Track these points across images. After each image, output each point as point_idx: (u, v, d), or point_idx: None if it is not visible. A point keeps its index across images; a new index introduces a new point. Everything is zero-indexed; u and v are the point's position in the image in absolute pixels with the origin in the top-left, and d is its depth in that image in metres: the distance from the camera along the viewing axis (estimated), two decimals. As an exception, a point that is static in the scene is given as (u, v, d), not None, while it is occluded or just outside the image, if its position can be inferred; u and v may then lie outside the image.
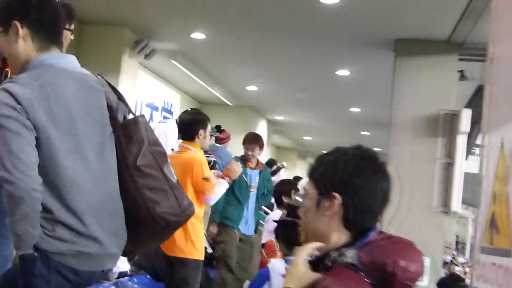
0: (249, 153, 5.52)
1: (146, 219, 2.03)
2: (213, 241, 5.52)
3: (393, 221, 6.93)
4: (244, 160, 5.47)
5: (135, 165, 1.98)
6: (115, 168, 1.99)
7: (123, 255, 2.12)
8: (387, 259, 1.41)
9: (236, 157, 5.86)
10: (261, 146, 5.65)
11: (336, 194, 1.38)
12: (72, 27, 2.62)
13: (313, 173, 1.55)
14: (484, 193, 2.43)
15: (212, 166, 5.42)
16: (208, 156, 5.27)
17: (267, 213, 6.51)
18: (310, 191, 1.49)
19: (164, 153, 2.14)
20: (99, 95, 1.97)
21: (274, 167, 9.13)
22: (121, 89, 6.06)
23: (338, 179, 1.41)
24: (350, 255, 1.43)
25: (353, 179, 1.41)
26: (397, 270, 1.40)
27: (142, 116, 2.18)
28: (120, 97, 2.11)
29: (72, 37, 2.65)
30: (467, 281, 6.13)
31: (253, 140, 5.63)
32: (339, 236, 1.48)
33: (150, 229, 2.07)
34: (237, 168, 4.41)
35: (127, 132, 2.02)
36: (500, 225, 2.18)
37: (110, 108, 2.00)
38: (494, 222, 2.24)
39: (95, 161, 1.89)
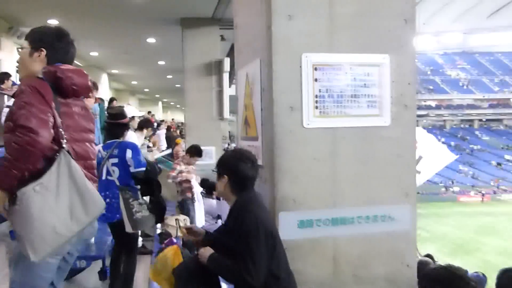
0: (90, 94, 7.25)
1: None
2: None
3: (192, 126, 10.59)
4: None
5: None
6: None
7: None
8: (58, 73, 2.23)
9: None
10: (96, 88, 6.87)
11: None
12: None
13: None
14: (240, 105, 3.26)
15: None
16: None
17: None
18: None
19: None
20: None
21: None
22: (3, 63, 8.63)
23: None
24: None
25: None
26: (63, 75, 2.22)
27: None
28: None
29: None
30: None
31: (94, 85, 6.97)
32: None
33: None
34: None
35: None
36: (250, 123, 2.98)
37: None
38: (246, 121, 3.06)
39: None
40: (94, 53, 14.01)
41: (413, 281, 2.85)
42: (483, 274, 5.98)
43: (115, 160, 4.10)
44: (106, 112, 7.44)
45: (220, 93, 10.77)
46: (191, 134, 10.06)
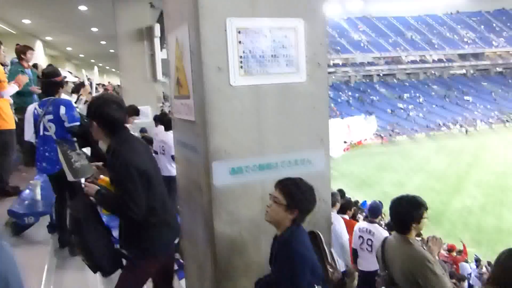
0: (23, 56, 6.15)
1: None
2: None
3: (127, 88, 10.27)
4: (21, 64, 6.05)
5: None
6: None
7: None
8: None
9: (14, 61, 6.26)
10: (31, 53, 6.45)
11: None
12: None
13: None
14: (171, 67, 3.13)
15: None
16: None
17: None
18: None
19: None
20: None
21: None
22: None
23: None
24: None
25: None
26: None
27: None
28: None
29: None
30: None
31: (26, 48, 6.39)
32: None
33: None
34: (23, 78, 5.16)
35: None
36: (182, 83, 2.94)
37: None
38: (178, 81, 3.00)
39: None
40: (26, 21, 12.73)
41: (328, 213, 3.00)
42: (380, 202, 6.46)
43: (51, 117, 3.96)
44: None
45: (152, 57, 10.55)
46: (127, 96, 9.71)
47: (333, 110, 56.96)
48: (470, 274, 10.86)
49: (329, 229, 2.99)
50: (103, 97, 2.77)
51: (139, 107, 6.87)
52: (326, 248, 2.36)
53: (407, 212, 2.79)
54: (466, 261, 11.89)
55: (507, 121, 57.18)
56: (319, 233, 2.42)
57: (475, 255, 14.13)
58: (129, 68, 10.34)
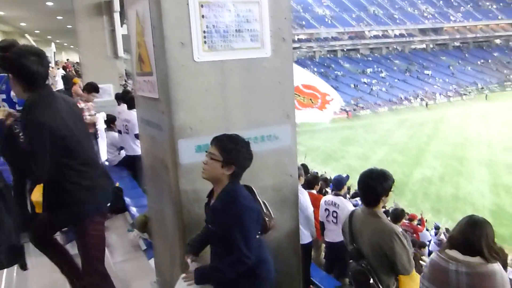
0: None
1: None
2: None
3: (87, 66, 9.91)
4: None
5: None
6: None
7: None
8: None
9: None
10: None
11: None
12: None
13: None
14: (132, 43, 3.04)
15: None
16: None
17: None
18: None
19: None
20: None
21: None
22: None
23: None
24: None
25: None
26: None
27: None
28: None
29: None
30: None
31: None
32: None
33: None
34: None
35: None
36: (144, 59, 2.86)
37: None
38: (140, 58, 2.93)
39: None
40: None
41: (295, 187, 3.03)
42: (347, 175, 6.60)
43: (4, 96, 3.76)
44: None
45: (112, 32, 10.18)
46: (88, 74, 9.42)
47: (299, 85, 57.08)
48: (430, 241, 11.39)
49: (296, 203, 3.03)
50: (21, 48, 2.50)
51: (100, 85, 6.68)
52: (260, 199, 2.40)
53: (378, 185, 2.82)
54: (426, 229, 12.45)
55: (464, 94, 59.32)
56: (252, 186, 2.43)
57: (435, 223, 14.78)
58: (88, 45, 9.94)
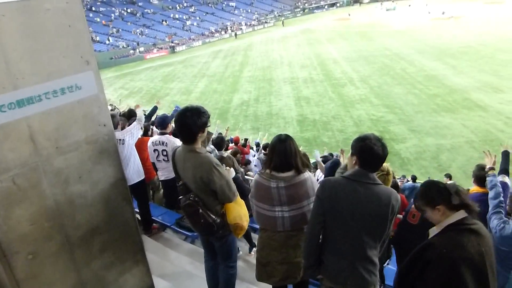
0: None
1: None
2: None
3: None
4: None
5: None
6: None
7: None
8: None
9: None
10: None
11: None
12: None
13: None
14: None
15: None
16: None
17: None
18: None
19: None
20: None
21: None
22: None
23: None
24: None
25: None
26: None
27: None
28: None
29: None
30: None
31: None
32: None
33: None
34: None
35: None
36: None
37: None
38: None
39: None
40: None
41: (112, 137, 2.78)
42: (172, 112, 6.47)
43: None
44: None
45: None
46: None
47: (109, 26, 52.72)
48: (254, 156, 12.37)
49: (115, 152, 2.80)
50: None
51: None
52: None
53: (193, 123, 2.78)
54: (251, 148, 13.47)
55: (265, 22, 63.57)
56: None
57: (255, 141, 16.07)
58: None
